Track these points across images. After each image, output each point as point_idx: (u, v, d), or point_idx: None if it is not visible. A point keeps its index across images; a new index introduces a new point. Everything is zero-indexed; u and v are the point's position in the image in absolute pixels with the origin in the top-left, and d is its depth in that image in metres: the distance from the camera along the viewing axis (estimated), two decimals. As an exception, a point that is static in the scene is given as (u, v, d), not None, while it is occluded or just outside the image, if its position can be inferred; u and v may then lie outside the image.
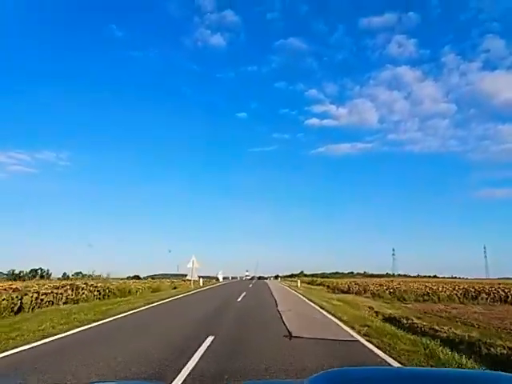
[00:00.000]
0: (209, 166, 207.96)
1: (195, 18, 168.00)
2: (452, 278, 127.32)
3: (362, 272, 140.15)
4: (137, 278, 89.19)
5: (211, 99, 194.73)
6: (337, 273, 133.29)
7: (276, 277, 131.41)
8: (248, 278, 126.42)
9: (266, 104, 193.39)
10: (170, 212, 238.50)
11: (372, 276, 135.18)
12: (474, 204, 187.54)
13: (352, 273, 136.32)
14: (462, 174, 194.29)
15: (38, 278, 67.91)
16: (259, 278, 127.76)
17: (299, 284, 33.32)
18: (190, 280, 33.74)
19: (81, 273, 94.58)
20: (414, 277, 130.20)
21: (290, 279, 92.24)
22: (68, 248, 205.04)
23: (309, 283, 39.08)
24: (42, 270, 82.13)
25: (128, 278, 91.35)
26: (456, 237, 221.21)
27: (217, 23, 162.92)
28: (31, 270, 79.81)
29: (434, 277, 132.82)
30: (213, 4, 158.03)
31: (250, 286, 36.53)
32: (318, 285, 37.03)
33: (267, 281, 79.76)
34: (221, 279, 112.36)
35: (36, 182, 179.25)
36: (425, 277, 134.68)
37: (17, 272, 70.61)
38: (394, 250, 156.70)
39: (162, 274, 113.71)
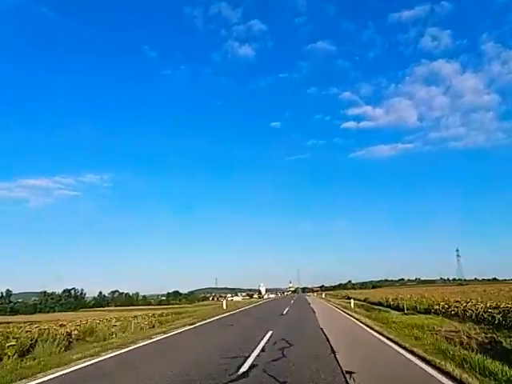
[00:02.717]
0: (247, 180, 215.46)
1: (222, 30, 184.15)
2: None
3: (414, 279, 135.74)
4: (177, 294, 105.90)
5: (244, 111, 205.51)
6: (386, 280, 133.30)
7: (321, 288, 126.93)
8: (291, 290, 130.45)
9: (300, 111, 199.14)
10: (207, 224, 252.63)
11: (425, 282, 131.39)
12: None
13: (403, 279, 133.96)
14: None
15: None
16: (303, 290, 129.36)
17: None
18: None
19: (117, 291, 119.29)
20: (471, 281, 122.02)
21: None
22: (103, 267, 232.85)
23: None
24: (75, 290, 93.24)
25: (168, 294, 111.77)
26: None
27: (244, 34, 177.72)
28: (64, 290, 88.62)
29: (494, 280, 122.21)
30: (239, 15, 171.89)
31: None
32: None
33: (309, 299, 54.50)
34: (263, 292, 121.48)
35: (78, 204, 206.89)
36: (483, 280, 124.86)
37: (49, 292, 77.51)
38: (458, 250, 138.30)
39: (202, 290, 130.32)
